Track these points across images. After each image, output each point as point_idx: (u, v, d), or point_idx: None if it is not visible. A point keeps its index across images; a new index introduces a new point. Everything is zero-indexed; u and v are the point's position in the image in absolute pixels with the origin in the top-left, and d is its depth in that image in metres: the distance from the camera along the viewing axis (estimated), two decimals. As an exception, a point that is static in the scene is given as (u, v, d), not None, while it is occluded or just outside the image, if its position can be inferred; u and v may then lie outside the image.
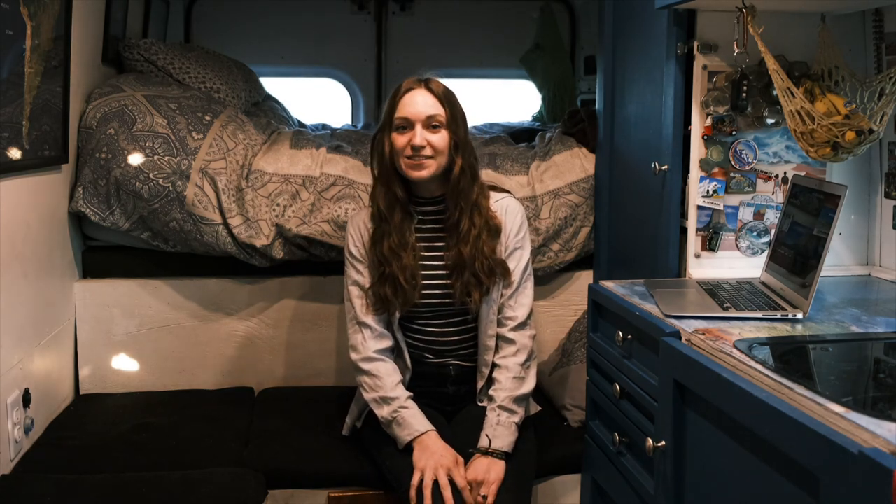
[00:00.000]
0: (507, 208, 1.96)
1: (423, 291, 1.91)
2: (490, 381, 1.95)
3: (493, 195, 1.97)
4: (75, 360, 2.40)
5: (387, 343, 1.93)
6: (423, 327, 1.96)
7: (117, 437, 2.08)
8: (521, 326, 1.94)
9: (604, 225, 2.43)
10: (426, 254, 1.94)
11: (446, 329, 1.96)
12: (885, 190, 1.91)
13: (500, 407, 1.87)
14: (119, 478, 1.83)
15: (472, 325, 1.97)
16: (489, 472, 1.78)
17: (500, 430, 1.84)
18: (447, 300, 1.93)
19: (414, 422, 1.83)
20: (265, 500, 1.92)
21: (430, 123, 1.86)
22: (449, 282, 1.91)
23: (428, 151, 1.85)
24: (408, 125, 1.86)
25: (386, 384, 1.87)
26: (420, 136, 1.84)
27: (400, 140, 1.86)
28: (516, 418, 1.87)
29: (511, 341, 1.93)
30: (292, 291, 2.50)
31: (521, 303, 1.95)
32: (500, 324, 1.95)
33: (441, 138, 1.86)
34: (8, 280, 1.88)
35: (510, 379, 1.90)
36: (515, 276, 1.94)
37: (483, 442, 1.83)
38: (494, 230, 1.92)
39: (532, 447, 1.93)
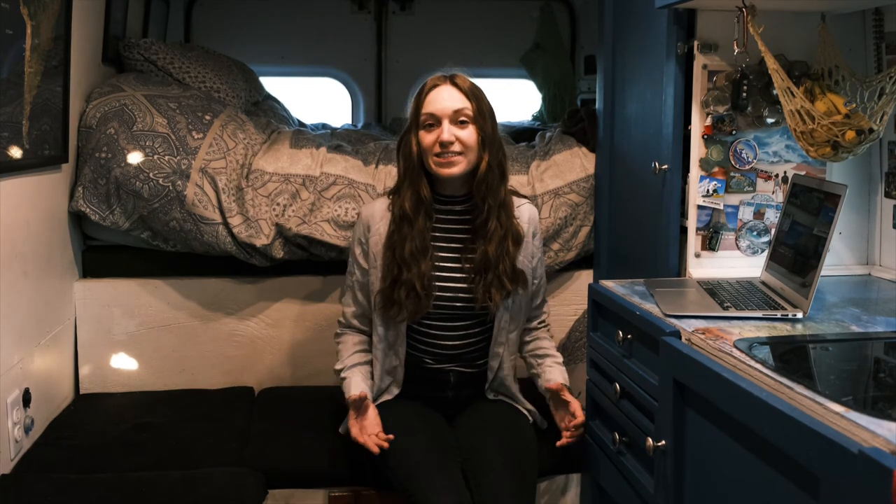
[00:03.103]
0: (530, 216, 1.98)
1: (436, 293, 1.88)
2: (493, 383, 1.99)
3: (515, 200, 1.96)
4: (75, 360, 2.40)
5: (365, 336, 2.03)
6: (428, 330, 1.93)
7: (117, 436, 2.08)
8: (543, 323, 2.10)
9: (604, 224, 2.42)
10: (441, 255, 1.91)
11: (451, 333, 1.93)
12: (885, 189, 1.91)
13: (554, 360, 2.02)
14: (119, 478, 1.83)
15: (476, 331, 1.95)
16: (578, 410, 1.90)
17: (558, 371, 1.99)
18: (458, 304, 1.90)
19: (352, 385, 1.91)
20: (265, 500, 1.92)
21: (458, 119, 1.83)
22: (463, 286, 1.89)
23: (457, 147, 1.82)
24: (435, 122, 1.83)
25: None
26: (448, 131, 1.81)
27: (428, 138, 1.84)
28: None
29: (541, 336, 2.08)
30: (292, 291, 2.50)
31: (545, 300, 2.10)
32: (529, 322, 2.05)
33: (469, 134, 1.83)
34: (8, 279, 1.88)
35: (551, 346, 2.08)
36: (541, 283, 2.04)
37: (560, 380, 1.95)
38: (517, 237, 1.91)
39: (533, 447, 1.93)
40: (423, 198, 1.85)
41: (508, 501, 1.72)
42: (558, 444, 1.89)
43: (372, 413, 1.87)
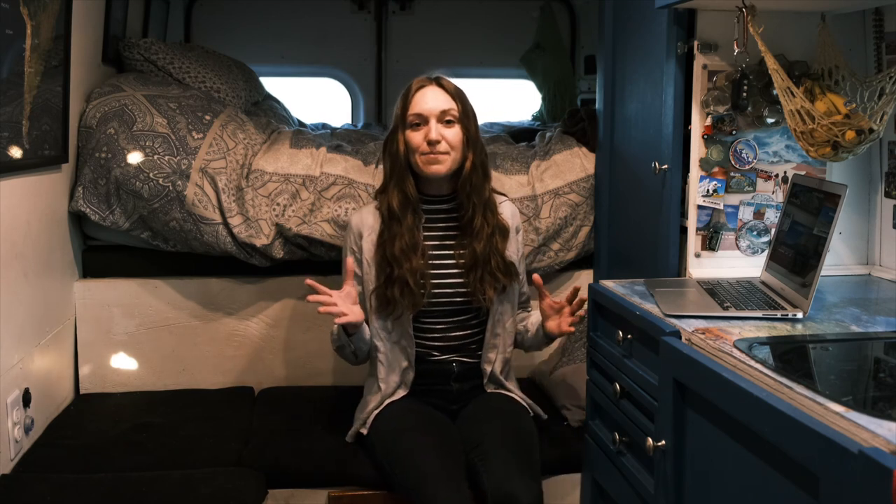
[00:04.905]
0: (512, 213, 2.05)
1: (433, 291, 1.92)
2: (492, 375, 2.01)
3: (497, 198, 2.03)
4: (75, 360, 2.40)
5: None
6: (431, 325, 1.97)
7: (117, 436, 2.08)
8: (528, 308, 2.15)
9: (604, 224, 2.43)
10: (435, 253, 1.96)
11: (453, 325, 1.98)
12: (885, 189, 1.91)
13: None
14: (119, 478, 1.84)
15: (475, 322, 1.99)
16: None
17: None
18: (457, 298, 1.95)
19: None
20: (265, 500, 1.92)
21: (444, 118, 1.89)
22: (460, 280, 1.94)
23: (443, 147, 1.87)
24: (422, 121, 1.88)
25: None
26: (435, 130, 1.86)
27: (415, 137, 1.88)
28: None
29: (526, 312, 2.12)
30: (292, 291, 2.50)
31: (529, 294, 2.13)
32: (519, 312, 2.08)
33: (455, 133, 1.89)
34: (8, 279, 1.88)
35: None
36: (524, 277, 2.08)
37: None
38: (504, 232, 1.97)
39: (533, 430, 1.95)
40: (410, 196, 1.90)
41: (516, 479, 1.74)
42: (569, 319, 1.90)
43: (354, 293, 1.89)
